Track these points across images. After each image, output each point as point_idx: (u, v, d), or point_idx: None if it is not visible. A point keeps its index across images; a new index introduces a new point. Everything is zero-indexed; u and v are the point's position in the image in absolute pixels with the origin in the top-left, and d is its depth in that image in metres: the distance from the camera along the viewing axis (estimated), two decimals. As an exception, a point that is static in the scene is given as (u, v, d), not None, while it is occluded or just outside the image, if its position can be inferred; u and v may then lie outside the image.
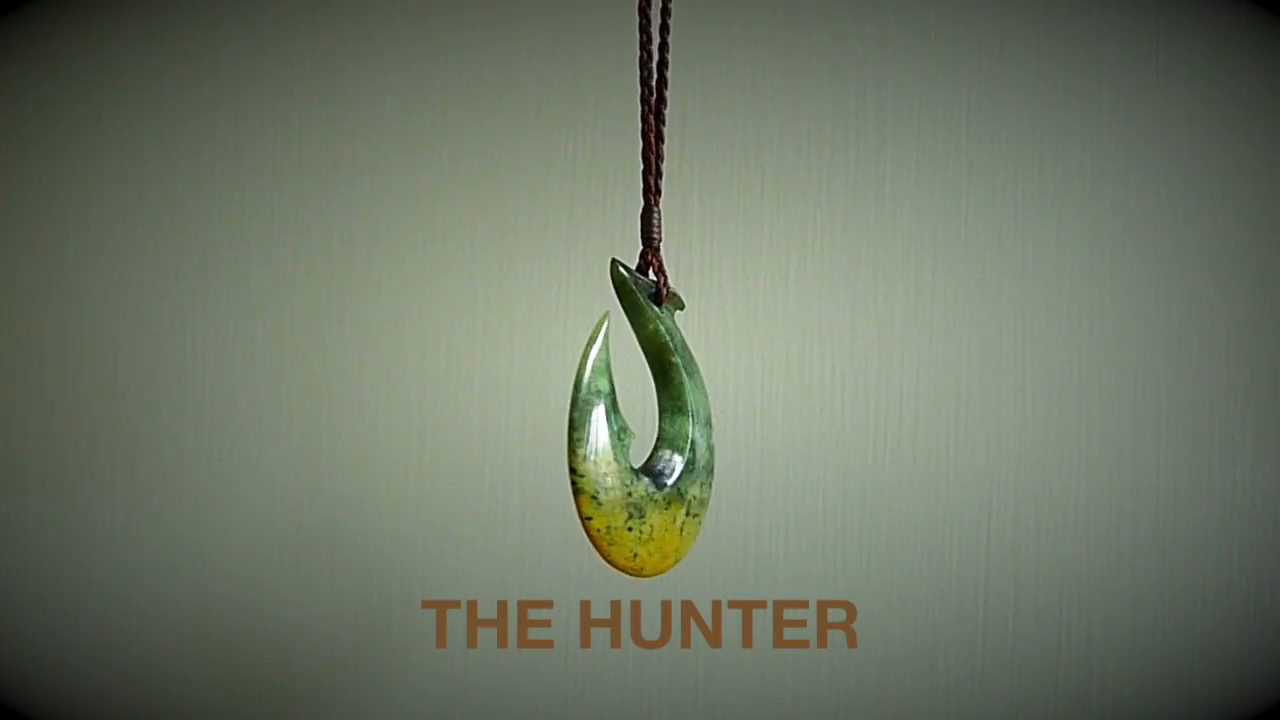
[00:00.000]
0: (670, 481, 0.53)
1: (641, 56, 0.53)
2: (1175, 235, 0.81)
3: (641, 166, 0.53)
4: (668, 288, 0.54)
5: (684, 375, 0.54)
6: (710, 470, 0.55)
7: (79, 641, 0.83)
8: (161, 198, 0.83)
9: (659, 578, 0.56)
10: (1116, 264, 0.81)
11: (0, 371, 0.83)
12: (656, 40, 0.53)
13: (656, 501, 0.52)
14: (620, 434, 0.51)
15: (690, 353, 0.55)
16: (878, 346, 0.81)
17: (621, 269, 0.54)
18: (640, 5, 0.52)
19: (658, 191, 0.53)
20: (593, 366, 0.51)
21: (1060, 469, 0.81)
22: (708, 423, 0.55)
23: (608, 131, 0.82)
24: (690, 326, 0.82)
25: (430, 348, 0.82)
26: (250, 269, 0.82)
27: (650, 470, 0.53)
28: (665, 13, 0.53)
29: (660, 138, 0.53)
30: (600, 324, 0.51)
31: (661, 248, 0.54)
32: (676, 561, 0.54)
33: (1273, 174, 0.81)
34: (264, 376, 0.82)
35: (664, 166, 0.53)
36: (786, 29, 0.82)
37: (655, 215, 0.53)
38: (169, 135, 0.83)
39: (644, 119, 0.53)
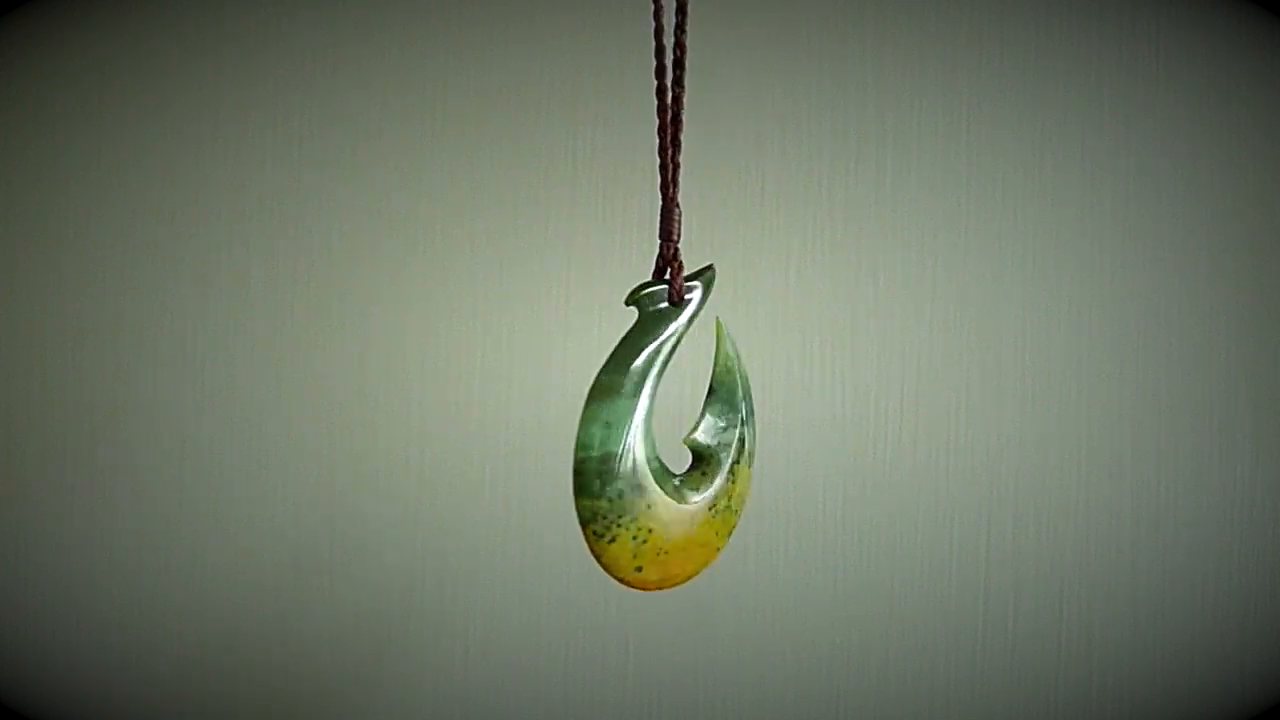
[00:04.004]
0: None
1: (656, 48, 0.51)
2: (1175, 235, 0.81)
3: (659, 165, 0.51)
4: (681, 282, 0.50)
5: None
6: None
7: (79, 642, 0.83)
8: (162, 197, 0.83)
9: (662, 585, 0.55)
10: (1116, 263, 0.81)
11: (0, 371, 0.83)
12: (672, 40, 0.51)
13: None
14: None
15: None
16: (878, 346, 0.81)
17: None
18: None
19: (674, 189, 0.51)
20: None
21: (1060, 469, 0.81)
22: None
23: (610, 131, 0.82)
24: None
25: (431, 347, 0.82)
26: (250, 269, 0.82)
27: None
28: (681, 9, 0.51)
29: (676, 137, 0.51)
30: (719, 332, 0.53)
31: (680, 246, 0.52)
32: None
33: (1273, 174, 0.81)
34: (264, 377, 0.82)
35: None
36: (786, 29, 0.82)
37: (676, 213, 0.51)
38: (169, 135, 0.83)
39: (659, 114, 0.51)
